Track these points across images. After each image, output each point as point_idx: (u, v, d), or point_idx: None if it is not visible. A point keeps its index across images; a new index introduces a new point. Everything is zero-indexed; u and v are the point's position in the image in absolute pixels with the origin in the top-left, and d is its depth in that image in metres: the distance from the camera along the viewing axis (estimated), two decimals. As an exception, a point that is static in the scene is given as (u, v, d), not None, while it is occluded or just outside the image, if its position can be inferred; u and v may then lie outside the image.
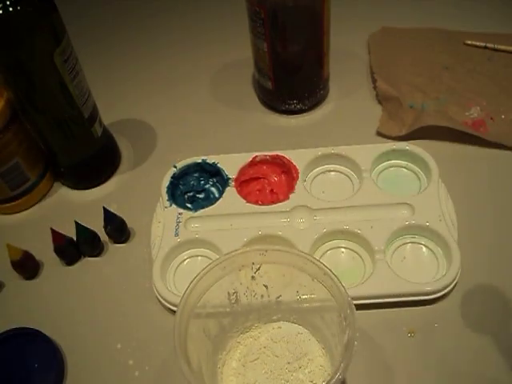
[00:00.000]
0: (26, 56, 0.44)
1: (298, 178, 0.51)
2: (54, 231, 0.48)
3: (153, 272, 0.46)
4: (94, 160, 0.55)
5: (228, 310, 0.40)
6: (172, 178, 0.52)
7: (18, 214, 0.55)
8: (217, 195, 0.53)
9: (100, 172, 0.57)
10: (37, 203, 0.56)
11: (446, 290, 0.43)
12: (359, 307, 0.39)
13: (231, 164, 0.53)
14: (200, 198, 0.53)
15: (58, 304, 0.47)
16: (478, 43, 0.65)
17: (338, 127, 0.59)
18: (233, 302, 0.40)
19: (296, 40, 0.54)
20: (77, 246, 0.49)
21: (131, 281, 0.48)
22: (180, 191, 0.53)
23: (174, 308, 0.43)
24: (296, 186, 0.50)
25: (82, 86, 0.50)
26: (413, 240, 0.47)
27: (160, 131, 0.62)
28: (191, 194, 0.53)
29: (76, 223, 0.48)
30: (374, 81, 0.62)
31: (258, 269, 0.39)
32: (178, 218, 0.49)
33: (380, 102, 0.60)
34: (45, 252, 0.49)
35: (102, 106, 0.55)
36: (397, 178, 0.52)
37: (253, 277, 0.39)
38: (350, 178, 0.53)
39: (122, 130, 0.61)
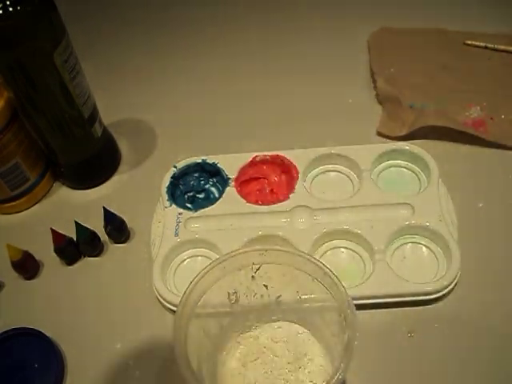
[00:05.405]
0: (26, 56, 0.44)
1: (297, 177, 0.51)
2: (54, 231, 0.48)
3: (153, 272, 0.46)
4: (94, 160, 0.55)
5: (228, 309, 0.40)
6: (172, 178, 0.52)
7: (17, 214, 0.55)
8: (217, 195, 0.53)
9: (100, 172, 0.57)
10: (37, 203, 0.56)
11: (446, 290, 0.43)
12: (359, 307, 0.39)
13: (231, 164, 0.53)
14: (200, 198, 0.53)
15: (57, 304, 0.47)
16: (478, 43, 0.65)
17: (338, 127, 0.59)
18: (233, 301, 0.40)
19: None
20: (77, 246, 0.49)
21: (131, 281, 0.48)
22: (180, 191, 0.53)
23: (174, 308, 0.43)
24: (296, 186, 0.50)
25: (82, 86, 0.50)
26: (413, 240, 0.47)
27: (160, 131, 0.62)
28: (191, 193, 0.53)
29: (76, 223, 0.48)
30: (374, 81, 0.62)
31: (258, 269, 0.39)
32: (178, 218, 0.49)
33: (380, 102, 0.60)
34: (45, 252, 0.49)
35: (101, 106, 0.55)
36: (397, 177, 0.52)
37: (253, 277, 0.39)
38: (350, 178, 0.53)
39: (121, 130, 0.61)
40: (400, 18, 0.70)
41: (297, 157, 0.52)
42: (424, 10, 0.72)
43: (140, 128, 0.62)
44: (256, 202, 0.50)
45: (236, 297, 0.40)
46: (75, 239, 0.49)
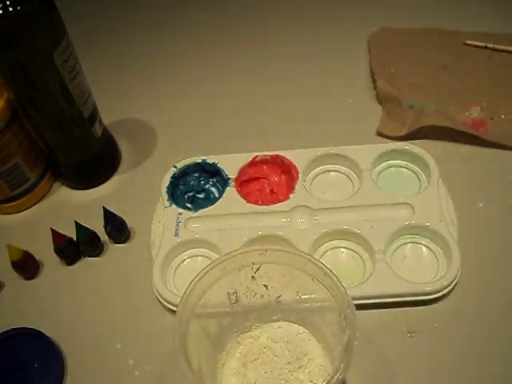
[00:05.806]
0: (26, 56, 0.44)
1: (297, 178, 0.51)
2: (54, 231, 0.48)
3: (153, 272, 0.46)
4: (94, 160, 0.55)
5: (228, 310, 0.40)
6: (172, 178, 0.52)
7: (17, 214, 0.55)
8: (217, 195, 0.53)
9: (100, 172, 0.57)
10: (37, 203, 0.56)
11: (445, 290, 0.43)
12: (359, 307, 0.39)
13: (231, 164, 0.53)
14: (200, 198, 0.53)
15: (58, 304, 0.47)
16: (478, 43, 0.65)
17: (338, 127, 0.59)
18: (233, 301, 0.40)
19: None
20: (77, 246, 0.49)
21: (131, 281, 0.48)
22: (180, 191, 0.53)
23: (174, 308, 0.43)
24: (296, 186, 0.50)
25: (82, 86, 0.50)
26: (413, 240, 0.47)
27: (160, 131, 0.62)
28: (191, 193, 0.53)
29: (76, 223, 0.48)
30: (374, 81, 0.62)
31: (258, 269, 0.39)
32: (178, 217, 0.49)
33: (380, 102, 0.60)
34: (45, 252, 0.49)
35: (101, 106, 0.55)
36: (397, 177, 0.52)
37: (253, 277, 0.39)
38: (350, 178, 0.53)
39: (121, 130, 0.61)
40: (400, 17, 0.70)
41: (297, 157, 0.52)
42: (424, 10, 0.72)
43: (140, 128, 0.62)
44: (256, 202, 0.50)
45: (236, 297, 0.40)
46: (75, 239, 0.49)
